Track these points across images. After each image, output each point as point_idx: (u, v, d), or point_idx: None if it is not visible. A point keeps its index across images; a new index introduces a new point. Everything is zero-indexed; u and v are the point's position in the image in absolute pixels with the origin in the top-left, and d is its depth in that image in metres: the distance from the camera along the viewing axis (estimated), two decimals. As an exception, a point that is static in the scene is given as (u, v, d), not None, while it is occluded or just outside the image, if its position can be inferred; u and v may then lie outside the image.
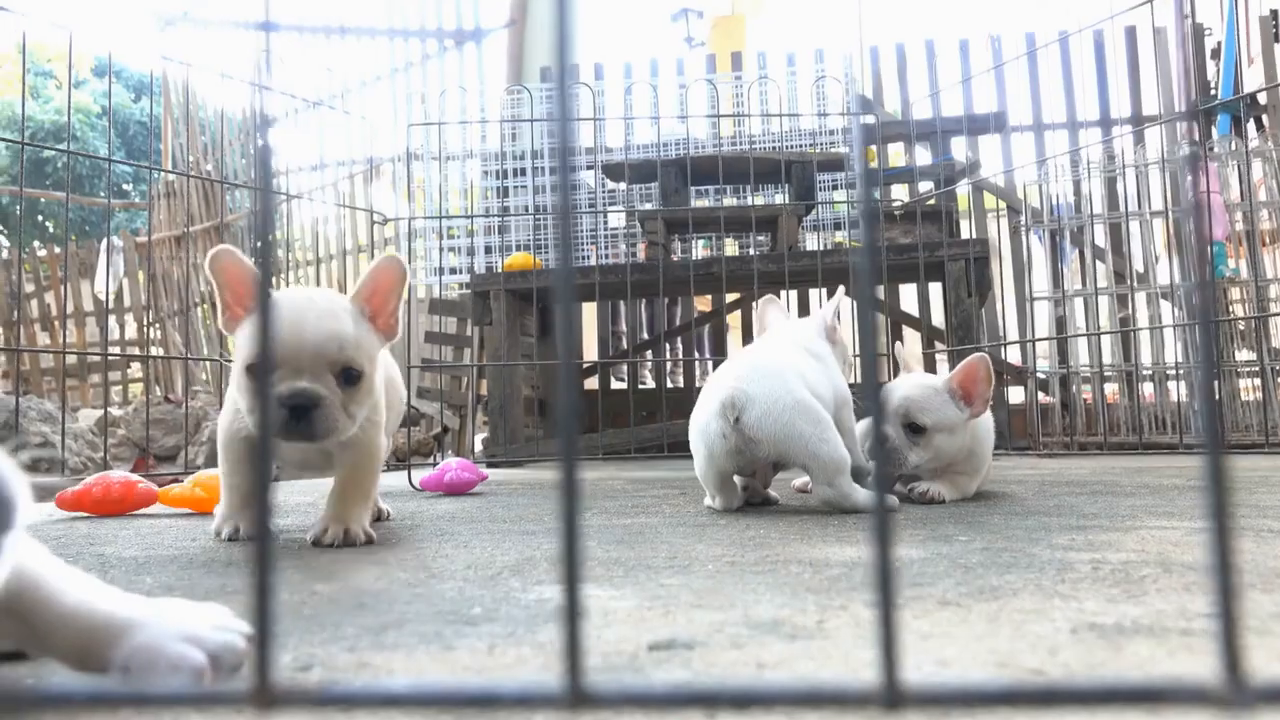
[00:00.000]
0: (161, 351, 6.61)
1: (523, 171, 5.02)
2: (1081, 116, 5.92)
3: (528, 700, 0.29)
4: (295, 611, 0.94)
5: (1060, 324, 4.82)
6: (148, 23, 7.91)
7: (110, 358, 4.86)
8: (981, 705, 0.29)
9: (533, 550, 1.35)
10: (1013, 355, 5.08)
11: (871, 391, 0.31)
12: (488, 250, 4.94)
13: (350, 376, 1.39)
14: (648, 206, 4.71)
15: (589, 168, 5.01)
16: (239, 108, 7.59)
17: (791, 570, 1.13)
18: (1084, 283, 4.87)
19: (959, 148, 5.48)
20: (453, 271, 5.06)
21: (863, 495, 1.76)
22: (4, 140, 3.36)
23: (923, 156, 5.40)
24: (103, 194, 12.50)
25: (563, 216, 0.34)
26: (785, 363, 1.83)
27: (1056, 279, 4.91)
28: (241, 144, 7.62)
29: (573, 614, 0.30)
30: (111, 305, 6.62)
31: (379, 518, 1.78)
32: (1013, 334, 5.25)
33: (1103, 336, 4.97)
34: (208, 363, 7.19)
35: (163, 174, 7.05)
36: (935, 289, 4.75)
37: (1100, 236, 4.99)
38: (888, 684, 0.28)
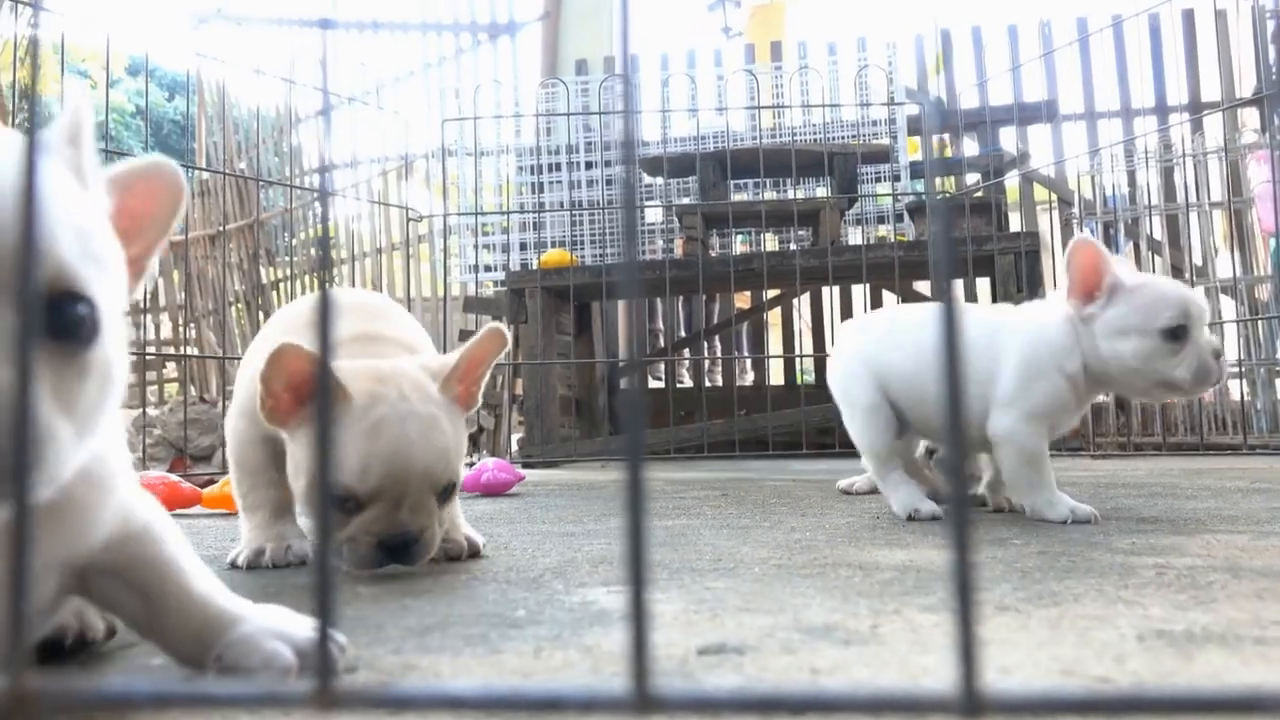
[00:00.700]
0: (196, 351, 6.72)
1: (558, 167, 5.04)
2: (1136, 104, 5.82)
3: (594, 703, 0.29)
4: (340, 614, 0.95)
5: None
6: (182, 21, 8.04)
7: (148, 357, 4.95)
8: (1064, 713, 0.28)
9: (574, 552, 1.36)
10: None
11: (951, 395, 0.30)
12: (523, 247, 4.96)
13: (447, 492, 1.18)
14: (685, 201, 4.70)
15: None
16: (272, 105, 7.69)
17: (841, 574, 1.12)
18: (1140, 277, 4.78)
19: (1008, 138, 5.41)
20: (487, 269, 5.09)
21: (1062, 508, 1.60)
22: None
23: (970, 147, 5.34)
24: (137, 193, 12.75)
25: (627, 209, 0.34)
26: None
27: (1110, 273, 4.82)
28: (275, 141, 7.73)
29: (638, 616, 0.30)
30: (147, 305, 6.74)
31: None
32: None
33: (1159, 333, 4.88)
34: (242, 362, 7.29)
35: (197, 172, 7.17)
36: (983, 284, 4.70)
37: (1156, 229, 4.90)
38: (966, 690, 0.28)
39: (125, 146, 14.49)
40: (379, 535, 1.11)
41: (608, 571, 1.18)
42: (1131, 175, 4.97)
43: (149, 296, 6.59)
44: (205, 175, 7.43)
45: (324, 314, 0.32)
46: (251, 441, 1.28)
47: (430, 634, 0.84)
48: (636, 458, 0.30)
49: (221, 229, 6.97)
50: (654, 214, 5.12)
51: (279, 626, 0.68)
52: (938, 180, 5.42)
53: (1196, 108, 5.63)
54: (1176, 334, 1.54)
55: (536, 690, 0.29)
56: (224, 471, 2.64)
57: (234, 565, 1.26)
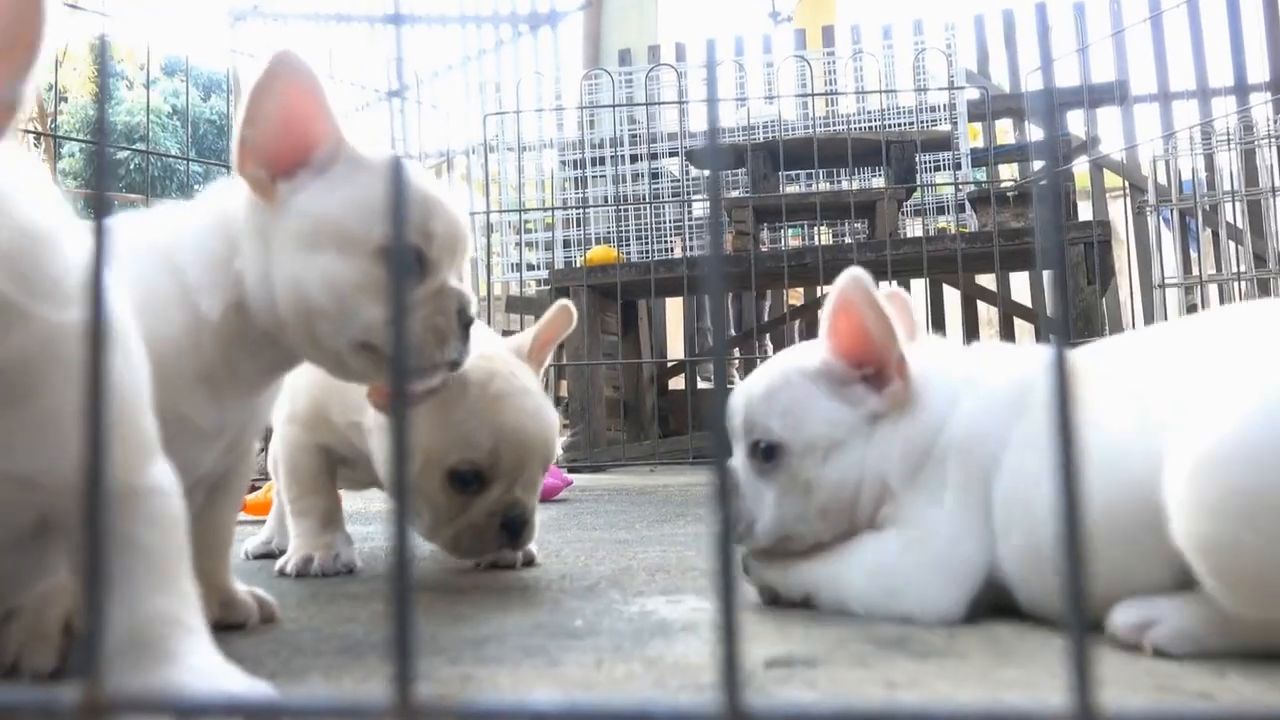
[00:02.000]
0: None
1: (602, 160, 5.05)
2: (1214, 83, 5.68)
3: (684, 719, 0.28)
4: (390, 618, 0.96)
5: (1192, 313, 4.63)
6: (219, 19, 8.20)
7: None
8: (1186, 733, 0.28)
9: (629, 560, 1.36)
10: (1139, 348, 4.90)
11: (1060, 404, 0.30)
12: (566, 244, 4.98)
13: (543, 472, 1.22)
14: (735, 194, 4.69)
15: (673, 154, 5.01)
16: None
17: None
18: (1219, 267, 4.68)
19: (1076, 122, 5.31)
20: (530, 267, 5.11)
21: None
22: (81, 141, 3.52)
23: (1035, 132, 5.26)
24: (175, 195, 13.01)
25: (713, 200, 0.34)
26: None
27: (1187, 264, 4.72)
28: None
29: (729, 628, 0.30)
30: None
31: None
32: (1139, 325, 5.08)
33: (1242, 326, 4.77)
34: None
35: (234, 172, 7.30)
36: (1050, 276, 4.62)
37: (1236, 216, 4.78)
38: (1083, 707, 0.27)
39: (163, 147, 14.80)
40: (503, 514, 1.13)
41: (665, 580, 1.18)
42: (1209, 159, 4.85)
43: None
44: (243, 175, 7.54)
45: (399, 327, 0.32)
46: (304, 448, 1.31)
47: (487, 645, 0.85)
48: (722, 461, 0.30)
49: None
50: (700, 208, 5.11)
51: None
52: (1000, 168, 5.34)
53: (1279, 86, 5.48)
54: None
55: (623, 705, 0.29)
56: (266, 477, 2.68)
57: (282, 573, 1.28)
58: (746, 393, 1.03)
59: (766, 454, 0.99)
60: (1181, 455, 0.73)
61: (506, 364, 1.17)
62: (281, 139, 0.87)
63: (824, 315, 1.01)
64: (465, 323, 0.95)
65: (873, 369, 0.98)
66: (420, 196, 0.91)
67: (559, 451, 1.22)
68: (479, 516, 1.13)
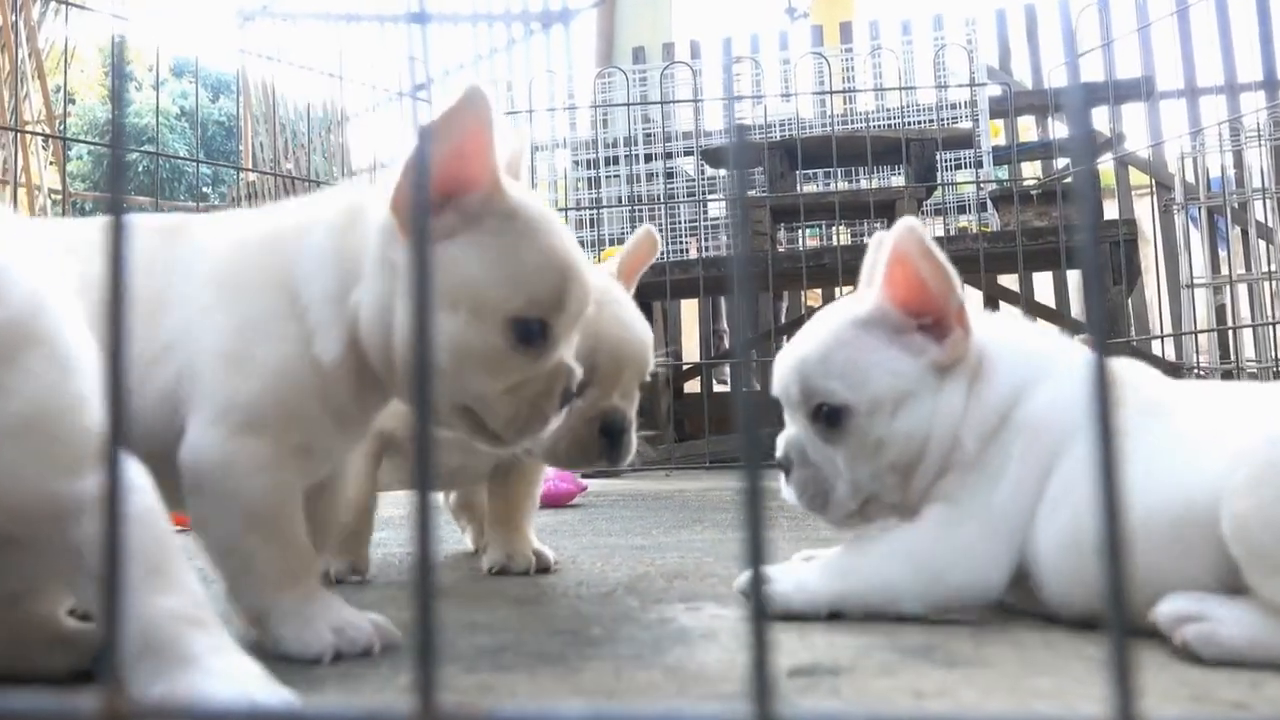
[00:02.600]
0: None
1: (615, 160, 5.05)
2: (1243, 78, 5.64)
3: (714, 728, 0.28)
4: (407, 630, 0.96)
5: (1221, 314, 4.60)
6: (228, 19, 8.25)
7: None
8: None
9: (646, 566, 1.36)
10: (1166, 350, 4.87)
11: (1099, 404, 0.29)
12: (580, 245, 4.99)
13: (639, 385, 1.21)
14: (752, 194, 4.68)
15: (688, 154, 5.01)
16: (320, 103, 7.84)
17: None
18: (1248, 266, 4.64)
19: (1100, 118, 5.29)
20: (543, 269, 5.12)
21: None
22: (91, 144, 3.55)
23: (1059, 129, 5.23)
24: (184, 197, 13.08)
25: (740, 188, 0.34)
26: None
27: (1215, 263, 4.69)
28: (323, 141, 7.88)
29: (760, 635, 0.29)
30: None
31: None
32: (1166, 326, 5.04)
33: (1274, 327, 4.73)
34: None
35: (243, 174, 7.34)
36: (1074, 276, 4.60)
37: (1266, 214, 4.74)
38: (1124, 717, 0.27)
39: (171, 149, 14.89)
40: (602, 418, 1.10)
41: (684, 587, 1.18)
42: (1238, 155, 4.82)
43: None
44: (253, 177, 7.60)
45: (422, 317, 0.32)
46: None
47: (504, 653, 0.85)
48: (755, 465, 0.30)
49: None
50: (716, 208, 5.11)
51: None
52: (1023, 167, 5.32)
53: (1310, 81, 5.45)
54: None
55: (652, 714, 0.28)
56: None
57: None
58: (797, 357, 1.00)
59: (831, 418, 0.96)
60: (1239, 455, 0.76)
61: (601, 278, 1.15)
62: (442, 176, 0.83)
63: (874, 266, 1.00)
64: (566, 401, 0.92)
65: (931, 319, 0.96)
66: (561, 264, 0.88)
67: (653, 364, 1.21)
68: (577, 422, 1.09)
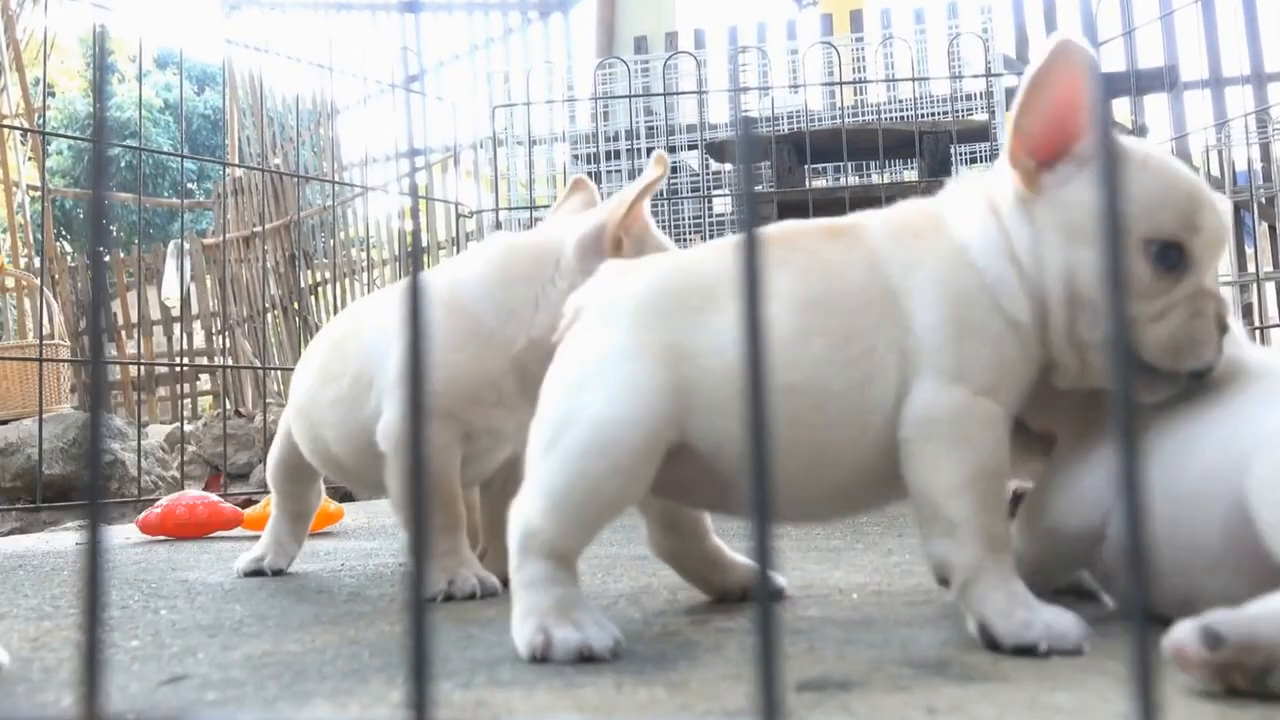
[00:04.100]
0: (231, 361, 6.88)
1: (617, 154, 5.05)
2: (1270, 68, 5.64)
3: (718, 746, 0.28)
4: (400, 643, 0.96)
5: (1247, 312, 4.60)
6: (213, 8, 8.26)
7: (184, 368, 5.09)
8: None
9: (649, 577, 1.36)
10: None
11: (1121, 404, 0.29)
12: (580, 243, 4.98)
13: None
14: (759, 188, 4.68)
15: (692, 147, 5.01)
16: (309, 95, 7.85)
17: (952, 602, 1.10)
18: (1275, 264, 4.64)
19: (1122, 110, 5.29)
20: (542, 268, 5.12)
21: None
22: (72, 138, 3.55)
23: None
24: (168, 193, 13.08)
25: (746, 183, 0.34)
26: None
27: (1241, 260, 4.69)
28: (312, 134, 7.89)
29: (767, 648, 0.29)
30: (178, 313, 6.94)
31: None
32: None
33: (1302, 327, 4.73)
34: (280, 373, 7.46)
35: (230, 170, 7.34)
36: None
37: (1297, 209, 4.74)
38: (1146, 734, 0.27)
39: (155, 143, 14.90)
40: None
41: (688, 598, 1.18)
42: (1265, 148, 4.82)
43: (181, 305, 6.77)
44: (239, 173, 7.60)
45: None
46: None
47: (500, 667, 0.85)
48: (761, 476, 0.30)
49: (256, 230, 7.13)
50: (722, 204, 5.11)
51: None
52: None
53: (1341, 70, 5.44)
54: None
55: (654, 730, 0.28)
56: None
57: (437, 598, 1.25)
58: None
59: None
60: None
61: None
62: (1052, 129, 0.93)
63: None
64: (1222, 329, 0.94)
65: None
66: (1188, 187, 0.94)
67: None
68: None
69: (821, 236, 0.99)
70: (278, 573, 1.49)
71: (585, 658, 0.85)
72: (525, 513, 0.92)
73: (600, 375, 0.93)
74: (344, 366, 1.36)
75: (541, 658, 0.85)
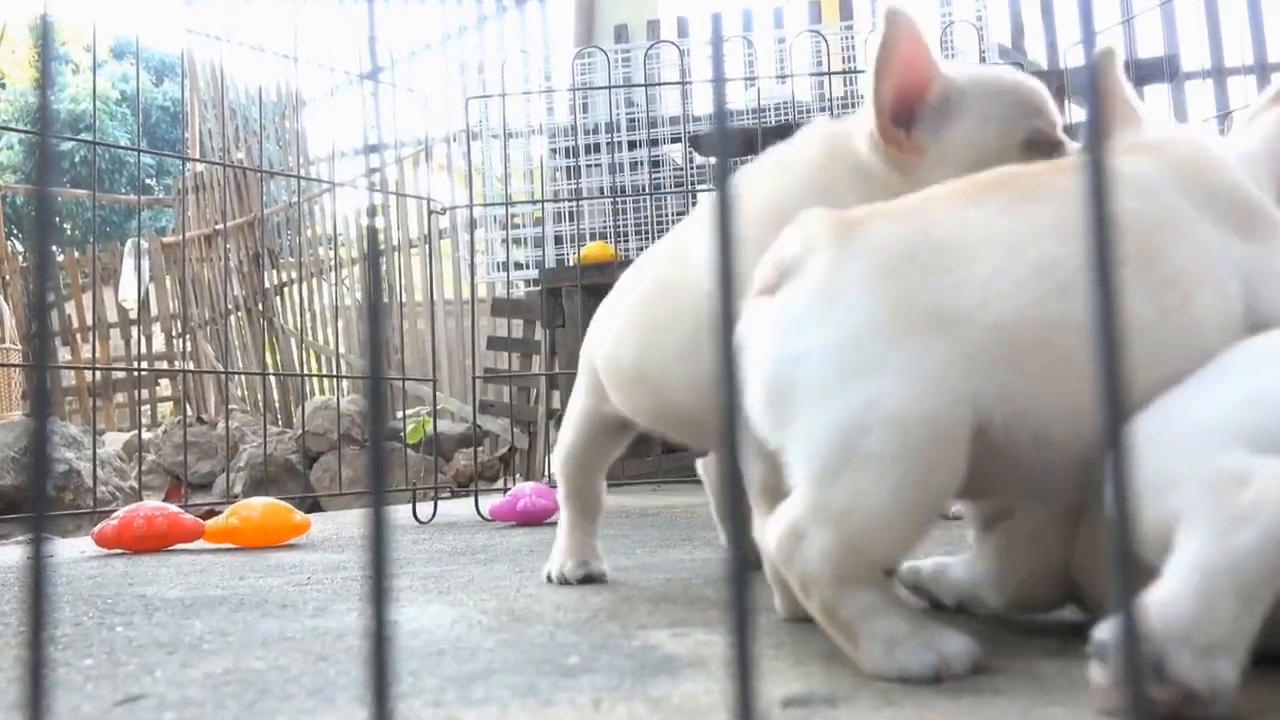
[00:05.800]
0: (192, 365, 6.85)
1: (597, 148, 5.06)
2: (1273, 57, 5.69)
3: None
4: (366, 659, 0.96)
5: (1252, 311, 4.64)
6: (171, -5, 8.22)
7: (142, 373, 5.06)
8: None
9: (629, 589, 1.36)
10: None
11: (1109, 396, 0.30)
12: (558, 241, 4.99)
13: None
14: (744, 184, 4.69)
15: (675, 140, 5.02)
16: (274, 86, 7.82)
17: (942, 614, 1.11)
18: None
19: (1120, 101, 5.33)
20: (518, 266, 5.12)
21: None
22: (21, 132, 3.53)
23: (1077, 113, 5.26)
24: (125, 190, 12.99)
25: (721, 191, 0.34)
26: None
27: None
28: (276, 128, 7.86)
29: (743, 663, 0.30)
30: (136, 315, 6.90)
31: None
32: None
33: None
34: (243, 378, 7.42)
35: (190, 164, 7.30)
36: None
37: (1301, 203, 4.79)
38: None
39: (111, 137, 14.80)
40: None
41: (670, 611, 1.18)
42: (1269, 141, 4.86)
43: (139, 306, 6.73)
44: (200, 168, 7.57)
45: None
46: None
47: (473, 684, 0.85)
48: (734, 486, 0.30)
49: (219, 227, 7.09)
50: (706, 199, 5.12)
51: None
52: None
53: (1346, 60, 5.50)
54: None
55: (624, 747, 0.29)
56: (228, 501, 2.69)
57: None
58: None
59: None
60: None
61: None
62: (903, 91, 1.05)
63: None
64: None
65: None
66: (1030, 80, 1.15)
67: None
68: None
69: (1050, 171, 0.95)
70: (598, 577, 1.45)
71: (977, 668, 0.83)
72: (828, 538, 0.81)
73: (871, 363, 0.81)
74: (676, 315, 1.25)
75: (938, 677, 0.80)
